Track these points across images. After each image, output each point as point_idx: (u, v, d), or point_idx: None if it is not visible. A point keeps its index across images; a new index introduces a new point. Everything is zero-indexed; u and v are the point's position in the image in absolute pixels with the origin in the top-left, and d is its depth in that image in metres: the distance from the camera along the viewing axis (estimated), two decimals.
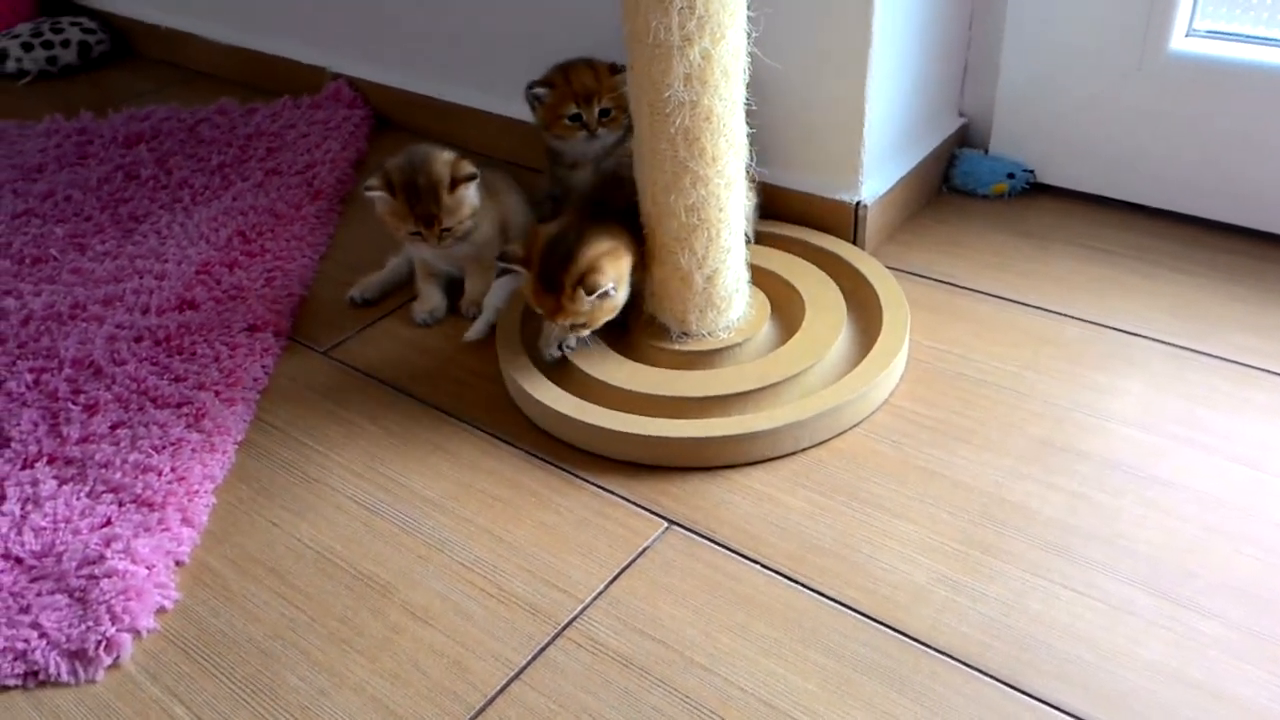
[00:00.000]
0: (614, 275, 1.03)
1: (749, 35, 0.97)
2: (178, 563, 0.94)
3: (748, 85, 0.99)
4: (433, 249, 1.20)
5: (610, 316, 1.06)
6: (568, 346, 1.10)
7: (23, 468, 1.04)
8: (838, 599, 0.85)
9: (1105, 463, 0.96)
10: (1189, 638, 0.80)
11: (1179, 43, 1.20)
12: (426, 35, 1.65)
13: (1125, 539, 0.88)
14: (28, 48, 2.11)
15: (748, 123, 1.02)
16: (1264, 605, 0.81)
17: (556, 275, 1.02)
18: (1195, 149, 1.24)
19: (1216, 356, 1.07)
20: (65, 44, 2.13)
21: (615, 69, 1.26)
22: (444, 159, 1.18)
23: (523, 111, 1.55)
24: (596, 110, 1.25)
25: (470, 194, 1.18)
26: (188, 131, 1.73)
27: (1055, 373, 1.07)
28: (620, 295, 1.05)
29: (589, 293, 1.01)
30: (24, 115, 1.90)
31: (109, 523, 0.96)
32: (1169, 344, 1.09)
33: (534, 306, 1.06)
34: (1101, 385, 1.05)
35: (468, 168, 1.17)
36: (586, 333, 1.07)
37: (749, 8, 0.96)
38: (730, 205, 1.04)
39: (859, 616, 0.83)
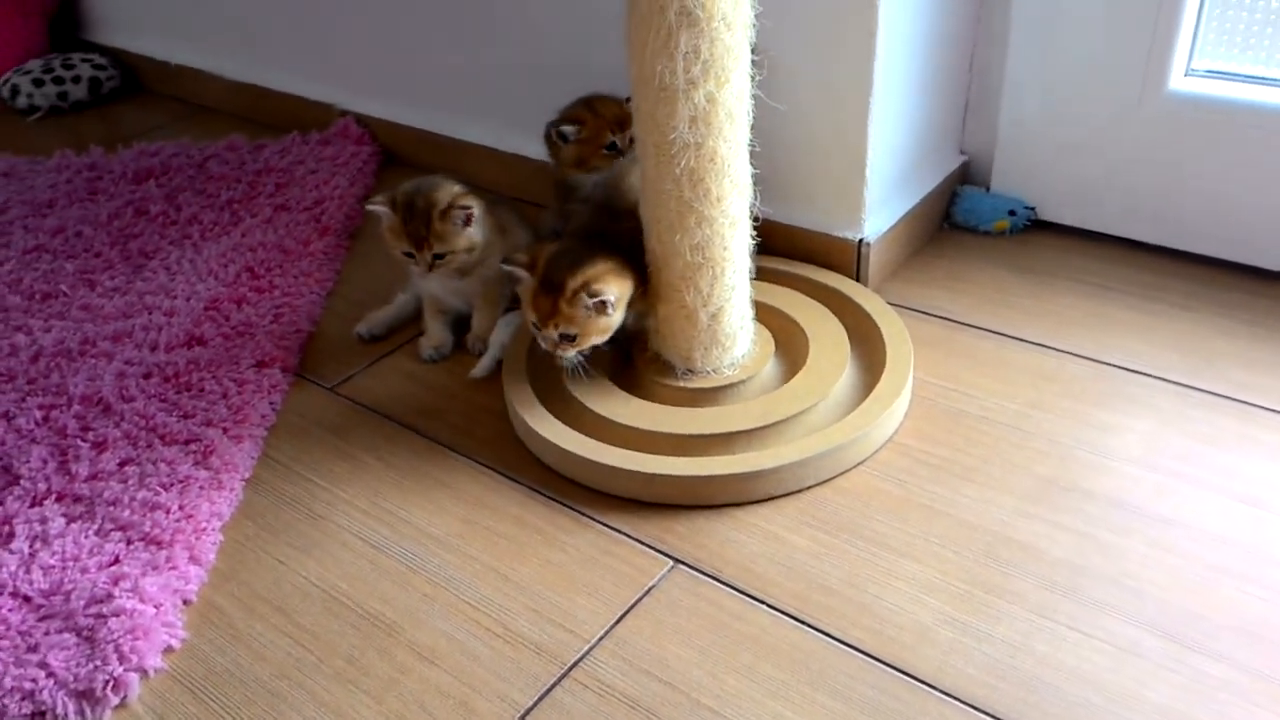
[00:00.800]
0: (617, 291, 1.04)
1: (753, 78, 0.98)
2: (185, 601, 0.95)
3: (752, 127, 1.01)
4: (424, 276, 1.21)
5: (600, 339, 1.06)
6: (568, 362, 1.10)
7: (31, 505, 1.04)
8: (844, 640, 0.85)
9: (1110, 501, 0.96)
10: (1197, 680, 0.79)
11: (1178, 82, 1.22)
12: (434, 72, 1.67)
13: (1132, 579, 0.88)
14: (39, 83, 2.14)
15: (752, 163, 1.03)
16: (1271, 646, 0.81)
17: (559, 278, 1.03)
18: (1194, 187, 1.25)
19: (1219, 394, 1.07)
20: (76, 80, 2.16)
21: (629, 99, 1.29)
22: (449, 188, 1.19)
23: (528, 148, 1.57)
24: (628, 137, 1.27)
25: (467, 228, 1.19)
26: (197, 168, 1.75)
27: (1058, 410, 1.07)
28: (615, 317, 1.06)
29: (591, 297, 1.02)
30: (35, 151, 1.92)
31: (117, 561, 0.97)
32: (1171, 381, 1.10)
33: (529, 313, 1.07)
34: (1104, 423, 1.05)
35: (465, 200, 1.18)
36: (572, 351, 1.07)
37: (753, 51, 0.97)
38: (735, 244, 1.05)
39: (865, 658, 0.83)
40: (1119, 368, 1.12)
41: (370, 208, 1.19)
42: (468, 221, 1.18)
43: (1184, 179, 1.25)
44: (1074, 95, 1.28)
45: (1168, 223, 1.29)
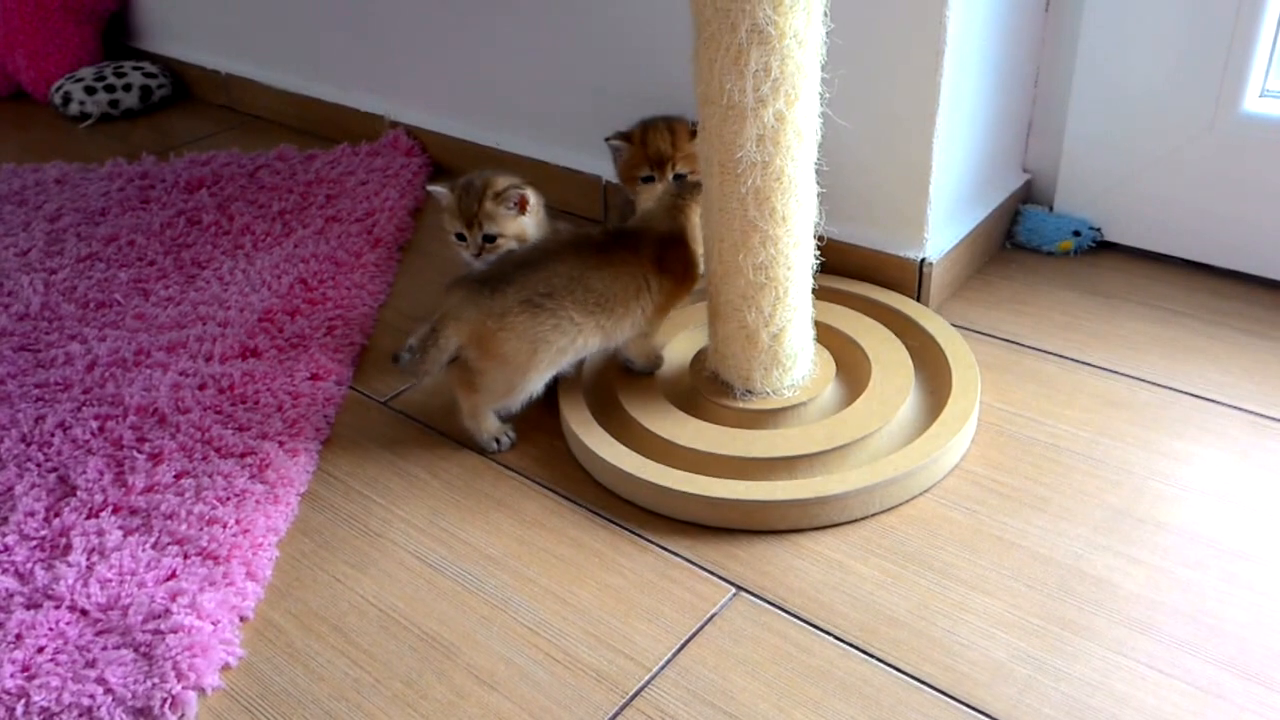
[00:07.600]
0: None
1: (822, 96, 0.97)
2: (242, 618, 0.94)
3: (818, 145, 0.99)
4: (473, 260, 1.21)
5: None
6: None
7: (88, 517, 1.04)
8: (915, 675, 0.83)
9: (1184, 534, 0.93)
10: None
11: (1252, 104, 1.19)
12: (485, 84, 1.66)
13: (1210, 616, 0.85)
14: (91, 91, 2.16)
15: (816, 181, 1.01)
16: None
17: None
18: (1266, 210, 1.22)
19: None
20: (127, 88, 2.18)
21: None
22: (509, 177, 1.22)
23: (579, 161, 1.56)
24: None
25: (521, 216, 1.20)
26: (248, 177, 1.75)
27: (1129, 438, 1.04)
28: None
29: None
30: (86, 158, 1.93)
31: (174, 575, 0.96)
32: (1245, 410, 1.07)
33: None
34: (1178, 452, 1.02)
35: (518, 184, 1.20)
36: None
37: (822, 69, 0.95)
38: (799, 263, 1.03)
39: (938, 694, 0.81)
40: (1191, 395, 1.09)
41: (431, 188, 1.22)
42: (521, 207, 1.19)
43: (1257, 202, 1.22)
44: (1143, 115, 1.26)
45: (1239, 246, 1.25)
